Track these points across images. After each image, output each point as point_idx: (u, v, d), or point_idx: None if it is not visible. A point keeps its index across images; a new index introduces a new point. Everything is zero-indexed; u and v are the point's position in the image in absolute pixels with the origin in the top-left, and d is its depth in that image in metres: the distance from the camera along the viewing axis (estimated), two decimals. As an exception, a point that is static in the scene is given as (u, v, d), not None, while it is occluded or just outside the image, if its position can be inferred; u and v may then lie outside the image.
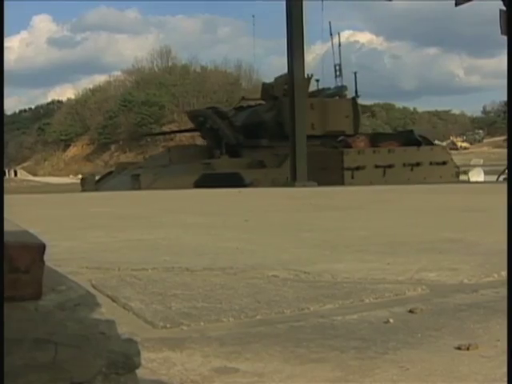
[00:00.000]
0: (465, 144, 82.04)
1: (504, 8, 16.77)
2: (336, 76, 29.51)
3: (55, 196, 14.84)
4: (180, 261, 3.79)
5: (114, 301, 2.73)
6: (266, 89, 27.36)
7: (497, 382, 1.70)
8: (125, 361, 1.25)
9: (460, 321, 2.35)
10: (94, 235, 5.39)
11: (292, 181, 18.01)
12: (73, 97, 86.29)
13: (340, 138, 25.56)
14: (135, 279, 3.24)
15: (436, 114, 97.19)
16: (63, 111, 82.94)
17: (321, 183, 17.30)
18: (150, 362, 1.85)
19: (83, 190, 22.60)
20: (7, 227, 1.56)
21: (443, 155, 25.04)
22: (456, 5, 20.90)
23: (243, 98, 30.84)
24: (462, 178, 27.43)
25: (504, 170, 21.70)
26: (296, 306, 2.60)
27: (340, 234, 5.29)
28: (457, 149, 79.03)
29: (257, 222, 6.60)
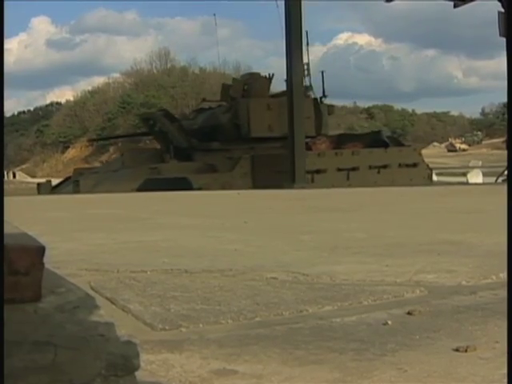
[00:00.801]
0: (463, 145, 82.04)
1: (502, 10, 16.80)
2: (304, 76, 28.66)
3: (54, 198, 14.83)
4: (179, 263, 3.80)
5: (112, 303, 2.73)
6: (226, 89, 26.39)
7: (495, 383, 1.71)
8: (124, 363, 1.25)
9: (458, 323, 2.36)
10: (93, 237, 5.40)
11: (290, 182, 18.00)
12: (71, 99, 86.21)
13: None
14: (134, 281, 3.24)
15: (435, 115, 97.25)
16: (62, 113, 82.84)
17: (277, 188, 16.38)
18: (149, 363, 1.85)
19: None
20: (7, 229, 1.56)
21: (414, 157, 24.13)
22: (454, 6, 20.95)
23: (204, 100, 29.73)
24: (461, 179, 27.23)
25: (503, 172, 21.69)
26: (295, 308, 2.60)
27: (338, 235, 5.29)
28: (455, 150, 79.10)
29: (255, 223, 6.61)
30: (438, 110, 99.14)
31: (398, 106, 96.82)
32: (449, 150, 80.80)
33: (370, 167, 22.53)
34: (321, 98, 26.30)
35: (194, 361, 1.92)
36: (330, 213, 7.99)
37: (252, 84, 25.19)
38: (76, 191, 20.50)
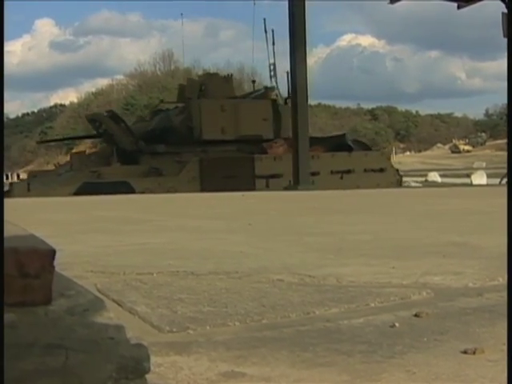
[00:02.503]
0: (467, 147, 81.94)
1: (506, 11, 16.78)
2: (270, 76, 27.04)
3: (59, 200, 14.84)
4: (185, 265, 3.80)
5: (119, 305, 2.74)
6: (182, 90, 25.42)
7: (503, 386, 1.70)
8: (135, 365, 1.26)
9: (466, 325, 2.36)
10: (99, 239, 5.40)
11: (295, 184, 18.00)
12: (75, 100, 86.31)
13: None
14: (140, 283, 3.25)
15: (438, 116, 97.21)
16: (66, 115, 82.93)
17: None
18: (158, 366, 1.85)
19: None
20: (15, 232, 1.57)
21: (381, 162, 23.20)
22: (458, 8, 20.94)
23: (162, 102, 28.56)
24: (465, 181, 26.90)
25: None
26: (301, 310, 2.60)
27: (344, 237, 5.29)
28: (459, 152, 79.01)
29: (260, 225, 6.61)
30: (442, 112, 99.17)
31: (401, 107, 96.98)
32: (453, 152, 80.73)
33: (332, 172, 21.61)
34: (286, 99, 25.03)
35: (202, 363, 1.92)
36: (335, 215, 7.98)
37: (208, 84, 24.09)
38: (28, 194, 19.24)
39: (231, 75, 27.23)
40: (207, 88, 23.81)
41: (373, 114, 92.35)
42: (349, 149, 22.97)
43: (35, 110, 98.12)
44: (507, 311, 2.01)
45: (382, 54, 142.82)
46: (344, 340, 2.17)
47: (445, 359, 1.94)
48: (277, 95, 25.86)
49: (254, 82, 27.31)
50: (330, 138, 26.77)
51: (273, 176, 20.76)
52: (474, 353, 1.98)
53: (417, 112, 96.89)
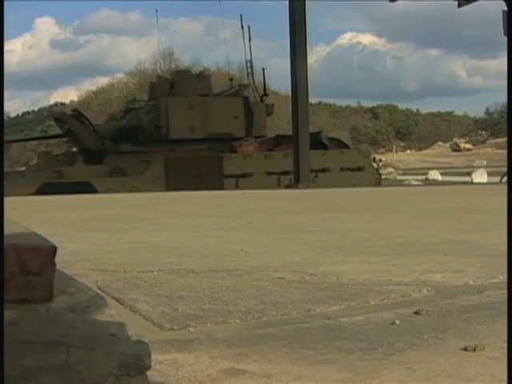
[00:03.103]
0: (468, 145, 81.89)
1: (506, 9, 16.77)
2: (247, 74, 26.02)
3: (58, 198, 14.84)
4: (185, 263, 3.80)
5: (120, 303, 2.74)
6: (152, 88, 24.59)
7: (504, 383, 1.71)
8: (136, 362, 1.26)
9: (466, 322, 2.36)
10: (98, 237, 5.41)
11: (295, 183, 17.99)
12: (76, 99, 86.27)
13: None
14: (141, 281, 3.25)
15: (439, 115, 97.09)
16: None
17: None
18: (158, 363, 1.85)
19: None
20: (17, 230, 1.57)
21: (358, 160, 22.23)
22: (459, 6, 20.92)
23: (134, 100, 27.58)
24: (465, 179, 26.64)
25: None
26: (302, 308, 2.61)
27: (344, 235, 5.29)
28: (460, 150, 78.97)
29: (261, 223, 6.61)
30: (443, 110, 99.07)
31: (402, 105, 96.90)
32: (453, 150, 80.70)
33: None
34: (261, 96, 24.51)
35: (203, 360, 1.93)
36: (335, 213, 7.98)
37: (179, 82, 23.40)
38: None
39: (203, 71, 26.54)
40: (178, 86, 23.19)
41: (373, 113, 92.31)
42: (324, 147, 22.02)
43: (35, 109, 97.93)
44: (507, 310, 2.01)
45: (382, 52, 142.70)
46: (344, 337, 2.17)
47: (445, 356, 1.94)
48: (253, 90, 25.07)
49: (231, 79, 26.14)
50: None
51: (243, 175, 20.15)
52: (475, 350, 1.99)
53: (417, 110, 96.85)
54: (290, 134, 22.47)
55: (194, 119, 22.10)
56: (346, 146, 24.48)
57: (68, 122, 22.93)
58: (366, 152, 24.89)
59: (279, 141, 23.61)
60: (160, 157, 21.01)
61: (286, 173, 20.13)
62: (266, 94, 24.79)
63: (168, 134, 22.15)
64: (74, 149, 25.16)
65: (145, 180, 19.83)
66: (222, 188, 18.59)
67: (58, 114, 26.12)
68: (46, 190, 17.61)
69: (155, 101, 23.22)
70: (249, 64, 25.64)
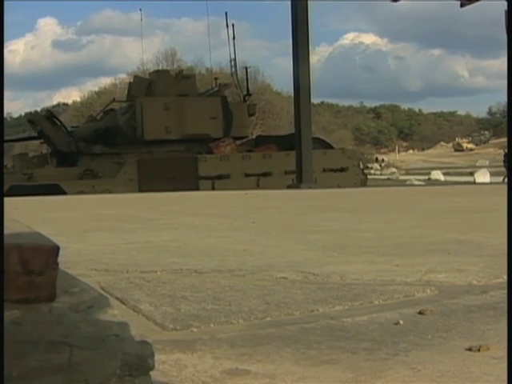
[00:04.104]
0: (470, 145, 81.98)
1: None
2: (231, 73, 25.47)
3: (61, 198, 14.85)
4: (188, 263, 3.80)
5: (123, 303, 2.73)
6: (130, 88, 24.18)
7: (509, 383, 1.70)
8: (139, 362, 1.25)
9: (470, 322, 2.35)
10: (101, 237, 5.40)
11: (297, 183, 17.99)
12: (78, 99, 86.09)
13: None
14: (144, 281, 3.24)
15: (441, 115, 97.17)
16: (69, 114, 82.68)
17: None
18: (162, 363, 1.85)
19: None
20: (20, 229, 1.56)
21: (342, 161, 21.71)
22: (461, 6, 20.89)
23: (114, 100, 27.25)
24: (468, 179, 26.43)
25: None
26: (305, 308, 2.60)
27: (347, 235, 5.28)
28: (462, 150, 79.01)
29: (264, 223, 6.61)
30: (445, 110, 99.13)
31: (404, 105, 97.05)
32: (456, 150, 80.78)
33: (286, 172, 20.07)
34: (244, 96, 24.07)
35: (207, 361, 1.92)
36: (338, 212, 7.97)
37: (156, 82, 23.02)
38: None
39: (181, 71, 25.98)
40: (155, 86, 22.85)
41: (376, 113, 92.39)
42: None
43: (38, 109, 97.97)
44: (507, 311, 2.01)
45: (384, 52, 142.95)
46: (348, 337, 2.16)
47: (449, 356, 1.93)
48: (236, 87, 24.62)
49: (216, 79, 25.37)
50: (285, 136, 25.09)
51: (219, 177, 19.83)
52: (479, 350, 1.98)
53: (420, 110, 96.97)
54: (269, 134, 21.80)
55: (170, 120, 21.74)
56: (330, 147, 23.92)
57: (40, 123, 22.61)
58: (351, 152, 24.42)
59: (260, 141, 23.26)
60: (134, 158, 20.70)
61: (265, 174, 19.89)
62: (249, 94, 24.33)
63: (143, 134, 21.81)
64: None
65: (117, 182, 19.49)
66: (197, 189, 18.28)
67: (31, 116, 25.46)
68: (12, 192, 16.91)
69: (132, 101, 22.86)
70: (233, 63, 25.30)
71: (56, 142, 22.23)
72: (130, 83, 25.57)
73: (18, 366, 1.14)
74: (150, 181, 18.77)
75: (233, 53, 25.24)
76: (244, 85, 24.61)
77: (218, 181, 19.63)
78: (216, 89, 24.28)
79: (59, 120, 23.73)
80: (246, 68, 25.82)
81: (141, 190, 18.54)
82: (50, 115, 23.52)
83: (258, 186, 19.11)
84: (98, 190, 18.45)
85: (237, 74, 25.00)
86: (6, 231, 1.36)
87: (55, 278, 1.32)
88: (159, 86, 22.74)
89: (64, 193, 17.74)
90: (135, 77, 25.80)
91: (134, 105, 22.38)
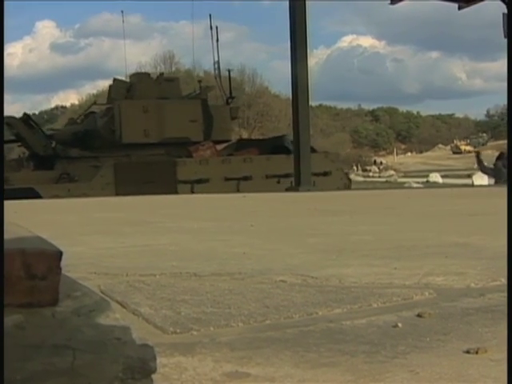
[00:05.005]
0: (468, 147, 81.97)
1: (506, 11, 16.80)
2: (215, 76, 25.07)
3: (60, 201, 14.85)
4: (188, 266, 3.81)
5: (123, 306, 2.75)
6: (110, 91, 23.94)
7: (506, 385, 1.71)
8: (141, 366, 1.27)
9: (468, 325, 2.36)
10: (101, 240, 5.41)
11: (296, 186, 17.99)
12: (76, 102, 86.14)
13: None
14: (143, 285, 3.26)
15: (439, 117, 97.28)
16: (67, 116, 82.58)
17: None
18: (162, 367, 1.86)
19: None
20: (22, 233, 1.58)
21: (325, 165, 21.28)
22: (459, 8, 20.95)
23: (95, 103, 26.85)
24: (466, 181, 26.45)
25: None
26: (304, 311, 2.61)
27: (346, 238, 5.30)
28: (461, 152, 79.08)
29: (262, 226, 6.62)
30: (443, 112, 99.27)
31: (402, 108, 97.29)
32: (454, 152, 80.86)
33: (268, 176, 20.04)
34: (227, 99, 23.76)
35: (207, 364, 1.93)
36: (336, 215, 7.99)
37: (135, 85, 22.83)
38: None
39: (162, 73, 25.71)
40: (135, 89, 22.64)
41: (374, 115, 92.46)
42: (287, 151, 20.69)
43: (36, 112, 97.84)
44: (507, 311, 2.02)
45: (382, 54, 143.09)
46: (347, 340, 2.18)
47: (448, 359, 1.95)
48: (220, 89, 24.35)
49: (200, 81, 25.15)
50: (267, 139, 25.07)
51: (198, 181, 19.52)
52: (477, 352, 1.99)
53: (418, 113, 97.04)
54: (250, 138, 21.40)
55: (149, 123, 21.46)
56: (313, 150, 22.96)
57: (16, 126, 22.26)
58: (334, 156, 24.04)
59: (241, 145, 23.00)
60: (111, 162, 20.48)
61: (245, 178, 19.60)
62: (232, 97, 24.01)
63: (121, 138, 21.56)
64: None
65: (93, 186, 19.23)
66: (176, 194, 17.90)
67: (7, 119, 25.28)
68: None
69: (111, 104, 22.63)
70: (216, 66, 24.96)
71: (33, 145, 21.99)
72: (109, 86, 25.32)
73: (22, 370, 1.16)
74: (127, 185, 18.48)
75: (216, 56, 25.01)
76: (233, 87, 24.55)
77: (197, 185, 19.40)
78: (198, 92, 24.04)
79: (36, 123, 23.46)
80: (229, 70, 25.58)
81: (117, 194, 18.25)
82: (27, 118, 23.15)
83: (238, 191, 18.73)
84: (74, 193, 18.10)
85: (220, 77, 24.64)
86: (7, 235, 1.37)
87: (58, 282, 1.33)
88: (139, 88, 22.53)
89: (39, 197, 17.41)
90: (114, 80, 25.31)
91: (112, 108, 22.19)
